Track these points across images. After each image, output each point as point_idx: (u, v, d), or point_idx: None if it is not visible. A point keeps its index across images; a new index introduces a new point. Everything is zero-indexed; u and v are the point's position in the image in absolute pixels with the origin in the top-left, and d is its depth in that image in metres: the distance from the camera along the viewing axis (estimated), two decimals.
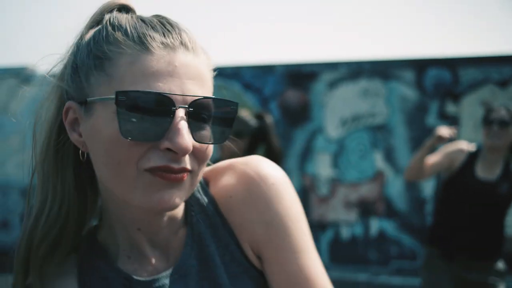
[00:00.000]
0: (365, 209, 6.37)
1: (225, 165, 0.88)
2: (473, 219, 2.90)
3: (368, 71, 6.42)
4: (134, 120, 0.70)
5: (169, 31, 0.75)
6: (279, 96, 6.72)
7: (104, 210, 0.86)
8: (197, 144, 0.74)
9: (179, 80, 0.72)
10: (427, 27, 25.14)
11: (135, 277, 0.81)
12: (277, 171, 0.86)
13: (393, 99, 6.31)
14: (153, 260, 0.84)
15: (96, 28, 0.79)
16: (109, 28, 0.76)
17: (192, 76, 0.74)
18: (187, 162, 0.74)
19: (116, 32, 0.74)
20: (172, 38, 0.74)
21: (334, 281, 0.93)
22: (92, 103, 0.74)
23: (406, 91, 6.28)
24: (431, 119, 6.14)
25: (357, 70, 6.45)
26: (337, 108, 6.51)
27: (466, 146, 3.05)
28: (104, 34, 0.75)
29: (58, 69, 0.82)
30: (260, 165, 0.85)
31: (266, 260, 0.84)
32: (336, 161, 6.48)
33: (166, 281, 0.82)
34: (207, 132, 0.76)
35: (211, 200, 0.87)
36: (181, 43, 0.75)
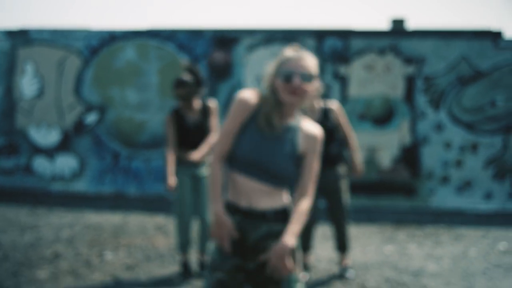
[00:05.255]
0: None
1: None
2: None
3: (280, 38, 7.53)
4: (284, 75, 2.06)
5: (300, 52, 2.09)
6: (208, 56, 7.66)
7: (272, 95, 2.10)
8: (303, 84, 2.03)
9: (300, 67, 2.02)
10: (327, 2, 26.71)
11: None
12: (320, 130, 2.15)
13: None
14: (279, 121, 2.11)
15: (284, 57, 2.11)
16: (285, 56, 2.10)
17: (305, 66, 2.04)
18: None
19: (286, 56, 2.09)
20: (299, 54, 2.07)
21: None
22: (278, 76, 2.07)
23: None
24: (327, 79, 7.48)
25: (270, 37, 7.56)
26: (254, 67, 7.56)
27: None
28: (286, 57, 2.09)
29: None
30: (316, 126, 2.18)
31: (305, 158, 2.11)
32: None
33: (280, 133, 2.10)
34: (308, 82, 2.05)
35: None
36: (301, 56, 2.06)
